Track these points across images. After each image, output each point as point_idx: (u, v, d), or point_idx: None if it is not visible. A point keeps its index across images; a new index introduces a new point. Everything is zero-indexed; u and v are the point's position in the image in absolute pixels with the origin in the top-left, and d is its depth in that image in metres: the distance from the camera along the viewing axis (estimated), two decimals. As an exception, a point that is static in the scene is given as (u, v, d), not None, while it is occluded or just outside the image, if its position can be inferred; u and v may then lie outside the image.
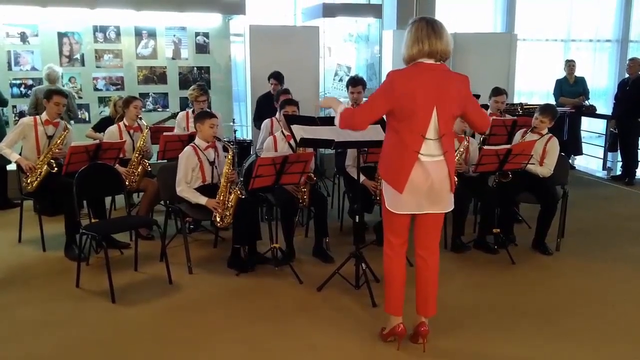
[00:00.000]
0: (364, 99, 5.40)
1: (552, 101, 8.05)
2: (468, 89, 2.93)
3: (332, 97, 4.46)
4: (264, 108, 6.28)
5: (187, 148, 4.30)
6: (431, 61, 2.83)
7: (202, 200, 4.15)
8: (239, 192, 4.13)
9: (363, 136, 3.48)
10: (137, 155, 4.90)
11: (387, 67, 8.15)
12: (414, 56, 2.83)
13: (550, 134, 4.69)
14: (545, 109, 4.68)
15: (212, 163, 4.34)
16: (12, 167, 5.20)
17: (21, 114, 6.40)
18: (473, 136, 4.98)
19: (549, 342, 3.21)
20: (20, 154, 4.70)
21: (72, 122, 6.08)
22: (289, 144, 4.51)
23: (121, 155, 4.82)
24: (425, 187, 2.86)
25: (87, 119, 6.89)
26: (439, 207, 2.95)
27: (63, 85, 6.49)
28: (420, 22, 2.83)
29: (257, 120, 6.26)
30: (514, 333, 3.30)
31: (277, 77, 6.32)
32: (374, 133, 3.54)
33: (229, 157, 4.23)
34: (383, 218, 3.12)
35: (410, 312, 3.12)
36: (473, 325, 3.39)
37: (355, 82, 5.40)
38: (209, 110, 5.01)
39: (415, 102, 2.78)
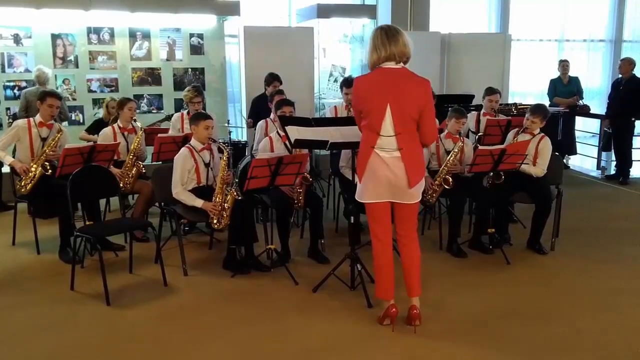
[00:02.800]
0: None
1: (547, 101, 8.08)
2: (429, 94, 3.15)
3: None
4: (259, 109, 6.25)
5: (183, 149, 4.29)
6: (392, 64, 3.08)
7: (199, 203, 4.13)
8: (235, 193, 4.12)
9: (358, 137, 3.50)
10: (131, 157, 4.89)
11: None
12: (375, 62, 3.12)
13: (542, 134, 4.70)
14: (536, 109, 4.69)
15: (207, 165, 4.33)
16: (6, 169, 5.17)
17: (14, 117, 6.37)
18: (467, 137, 4.98)
19: (544, 341, 3.22)
20: (13, 157, 4.68)
21: (64, 124, 6.06)
22: (285, 145, 4.51)
23: (115, 157, 4.81)
24: (382, 178, 3.12)
25: (81, 121, 6.87)
26: (402, 199, 3.19)
27: (57, 87, 6.47)
28: (377, 31, 3.13)
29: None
30: (509, 332, 3.31)
31: (277, 77, 6.12)
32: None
33: (224, 158, 4.23)
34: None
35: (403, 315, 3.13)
36: (467, 324, 3.40)
37: (349, 84, 5.37)
38: (204, 111, 5.00)
39: (371, 101, 3.10)
